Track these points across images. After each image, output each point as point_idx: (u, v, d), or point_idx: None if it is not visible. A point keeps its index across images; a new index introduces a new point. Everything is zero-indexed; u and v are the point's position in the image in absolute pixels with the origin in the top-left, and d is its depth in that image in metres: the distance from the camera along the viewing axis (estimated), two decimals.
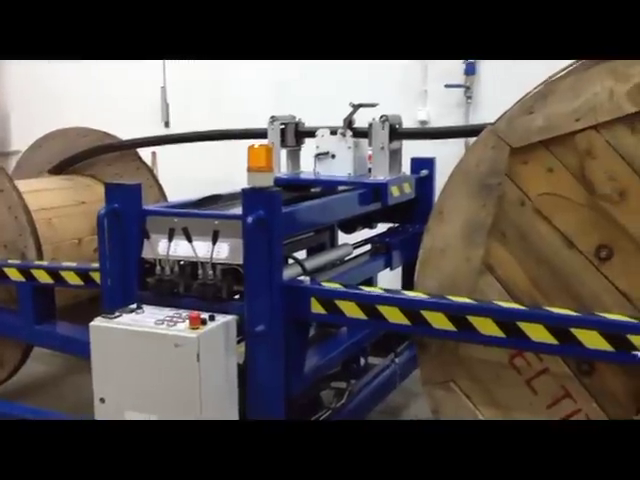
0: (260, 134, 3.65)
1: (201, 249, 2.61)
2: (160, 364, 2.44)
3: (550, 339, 2.21)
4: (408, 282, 3.28)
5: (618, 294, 2.27)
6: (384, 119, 3.35)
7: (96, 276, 2.98)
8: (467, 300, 2.37)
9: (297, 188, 3.49)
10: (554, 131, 2.25)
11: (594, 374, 2.34)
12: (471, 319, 2.31)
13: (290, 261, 2.93)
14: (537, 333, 2.23)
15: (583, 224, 2.28)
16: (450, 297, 2.40)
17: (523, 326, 2.25)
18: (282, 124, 3.59)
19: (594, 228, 2.27)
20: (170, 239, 2.65)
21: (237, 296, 2.70)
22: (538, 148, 2.30)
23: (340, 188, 3.43)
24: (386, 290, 2.56)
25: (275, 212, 2.52)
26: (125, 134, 4.40)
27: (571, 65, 2.23)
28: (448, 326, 2.35)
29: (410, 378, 3.65)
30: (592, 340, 2.16)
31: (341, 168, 3.45)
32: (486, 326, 2.30)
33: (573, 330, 2.18)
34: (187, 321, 2.44)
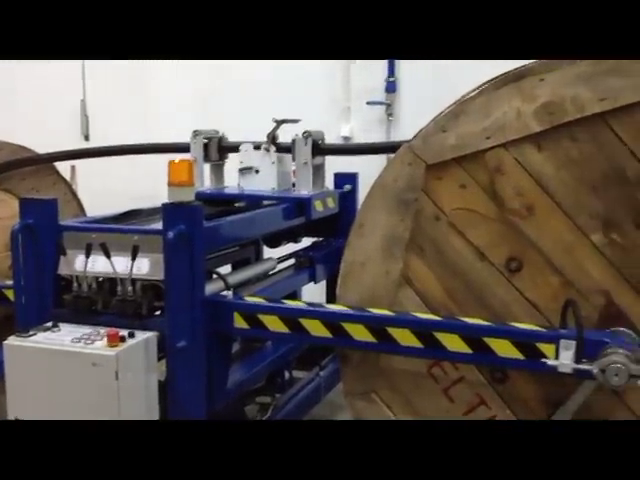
0: (183, 148, 3.63)
1: (120, 265, 2.57)
2: (77, 383, 2.38)
3: (465, 348, 2.29)
4: (332, 295, 3.32)
5: (528, 304, 2.38)
6: (307, 135, 3.40)
7: (10, 294, 2.88)
8: (386, 312, 2.43)
9: (221, 203, 3.49)
10: (466, 149, 2.35)
11: (507, 381, 2.44)
12: (390, 330, 2.37)
13: (214, 276, 2.92)
14: (453, 343, 2.31)
15: (494, 237, 2.38)
16: (370, 309, 2.45)
17: (439, 336, 2.32)
18: (205, 138, 3.58)
19: (504, 241, 2.38)
20: (87, 255, 2.60)
21: (158, 312, 2.67)
22: (452, 165, 2.39)
23: (264, 203, 3.45)
24: (308, 303, 2.59)
25: (196, 227, 2.51)
26: (43, 148, 4.27)
27: (481, 85, 2.34)
28: (368, 338, 2.40)
29: (335, 391, 3.69)
30: (504, 348, 2.25)
31: (265, 183, 3.48)
32: (405, 337, 2.36)
33: (486, 339, 2.27)
34: (105, 339, 2.39)
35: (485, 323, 2.31)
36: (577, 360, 2.15)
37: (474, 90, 2.34)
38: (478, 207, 2.39)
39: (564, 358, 2.17)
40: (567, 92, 2.21)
